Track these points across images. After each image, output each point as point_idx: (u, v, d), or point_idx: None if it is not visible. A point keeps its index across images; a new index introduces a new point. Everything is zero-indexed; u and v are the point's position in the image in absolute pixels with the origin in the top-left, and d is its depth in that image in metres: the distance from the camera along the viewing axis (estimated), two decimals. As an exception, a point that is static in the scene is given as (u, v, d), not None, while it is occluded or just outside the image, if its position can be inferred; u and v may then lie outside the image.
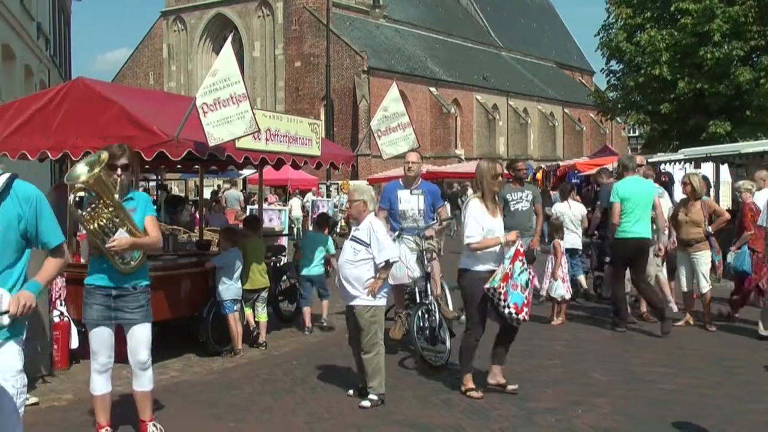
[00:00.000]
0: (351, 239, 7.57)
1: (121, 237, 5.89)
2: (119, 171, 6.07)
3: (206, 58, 62.68)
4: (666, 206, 11.83)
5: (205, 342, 9.48)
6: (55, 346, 8.71)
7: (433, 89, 59.51)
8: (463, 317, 8.25)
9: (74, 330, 8.88)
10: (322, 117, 42.91)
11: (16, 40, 20.19)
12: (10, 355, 4.09)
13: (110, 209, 5.88)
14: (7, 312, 3.95)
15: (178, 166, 11.68)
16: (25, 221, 4.14)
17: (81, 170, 5.78)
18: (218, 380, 8.52)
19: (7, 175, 4.14)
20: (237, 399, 7.72)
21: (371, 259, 7.37)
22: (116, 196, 5.96)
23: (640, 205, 10.49)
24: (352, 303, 7.50)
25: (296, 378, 8.55)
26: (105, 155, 5.83)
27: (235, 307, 9.46)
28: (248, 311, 9.99)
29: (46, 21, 26.02)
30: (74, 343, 8.89)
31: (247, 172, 22.81)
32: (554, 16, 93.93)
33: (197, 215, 18.08)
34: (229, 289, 9.37)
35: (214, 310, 9.48)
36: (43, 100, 9.46)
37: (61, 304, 8.85)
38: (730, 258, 11.59)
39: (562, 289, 11.42)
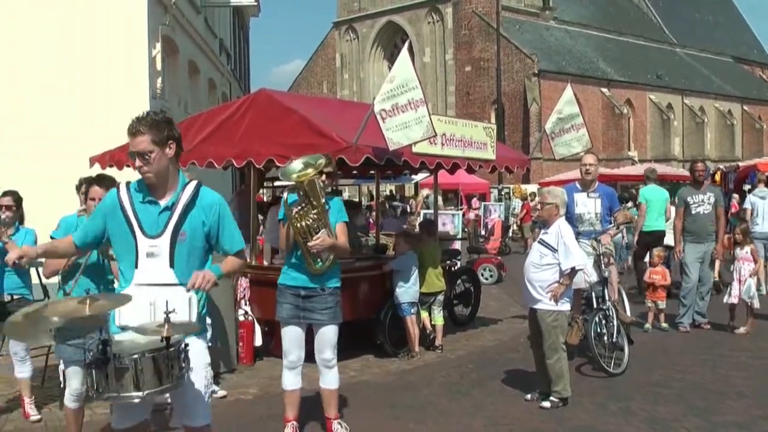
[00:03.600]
0: (539, 242, 7.53)
1: (324, 237, 6.12)
2: (324, 177, 6.34)
3: (378, 66, 63.65)
4: None
5: (383, 344, 9.65)
6: (241, 344, 9.14)
7: (605, 90, 58.07)
8: (647, 325, 8.02)
9: (258, 328, 9.27)
10: (493, 121, 42.72)
11: (201, 56, 21.27)
12: (199, 350, 4.31)
13: (315, 211, 6.15)
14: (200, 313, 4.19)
15: (354, 171, 11.92)
16: (209, 227, 4.34)
17: (297, 167, 6.10)
18: (396, 381, 8.66)
19: (194, 183, 4.37)
20: (415, 400, 7.82)
21: (557, 264, 7.30)
22: (322, 200, 6.22)
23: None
24: (534, 306, 7.47)
25: (473, 381, 8.57)
26: (323, 161, 6.13)
27: (412, 310, 9.59)
28: (424, 314, 10.09)
29: (227, 37, 27.28)
30: (258, 340, 9.28)
31: (417, 176, 22.99)
32: (731, 7, 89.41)
33: (371, 219, 18.43)
34: (406, 292, 9.50)
35: (391, 313, 9.64)
36: (228, 111, 9.94)
37: (245, 304, 9.25)
38: None
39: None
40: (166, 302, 3.94)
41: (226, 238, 4.40)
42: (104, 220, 4.34)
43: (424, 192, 22.94)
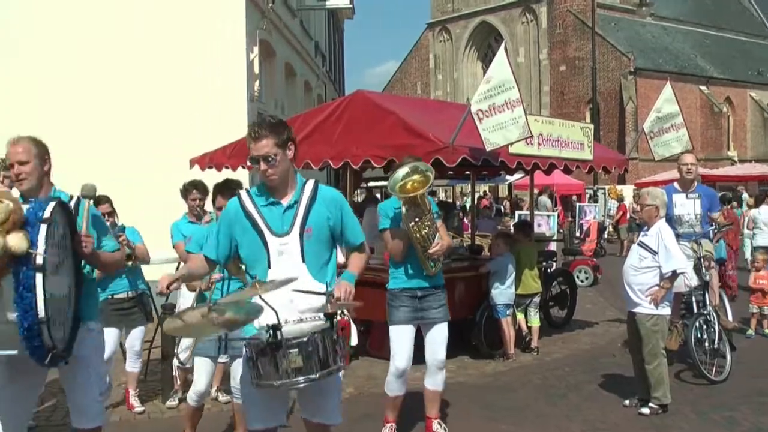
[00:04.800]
0: (638, 244, 7.40)
1: (442, 243, 6.29)
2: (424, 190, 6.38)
3: (471, 66, 63.36)
4: None
5: (478, 345, 9.62)
6: (338, 343, 9.17)
7: (703, 88, 56.49)
8: (750, 331, 7.80)
9: (354, 328, 9.32)
10: (588, 120, 42.09)
11: (297, 58, 21.57)
12: None
13: (428, 218, 6.27)
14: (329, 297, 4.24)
15: (450, 172, 11.90)
16: (333, 220, 4.40)
17: (402, 173, 6.17)
18: (492, 383, 8.62)
19: (313, 181, 4.44)
20: (511, 402, 7.78)
21: (657, 267, 7.16)
22: (429, 206, 6.34)
23: None
24: (633, 310, 7.33)
25: (570, 384, 8.48)
26: (431, 174, 6.19)
27: (508, 312, 9.54)
28: (520, 316, 10.03)
29: (322, 40, 27.60)
30: (354, 340, 9.33)
31: (512, 177, 22.78)
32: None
33: (465, 220, 18.36)
34: (502, 293, 9.46)
35: (487, 314, 9.60)
36: (325, 113, 10.06)
37: (342, 303, 9.30)
38: None
39: None
40: (327, 285, 4.12)
41: (349, 231, 4.48)
42: (230, 229, 4.40)
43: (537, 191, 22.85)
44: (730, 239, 11.93)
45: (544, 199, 22.79)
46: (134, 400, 7.60)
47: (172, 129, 13.42)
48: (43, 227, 3.96)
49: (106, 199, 7.17)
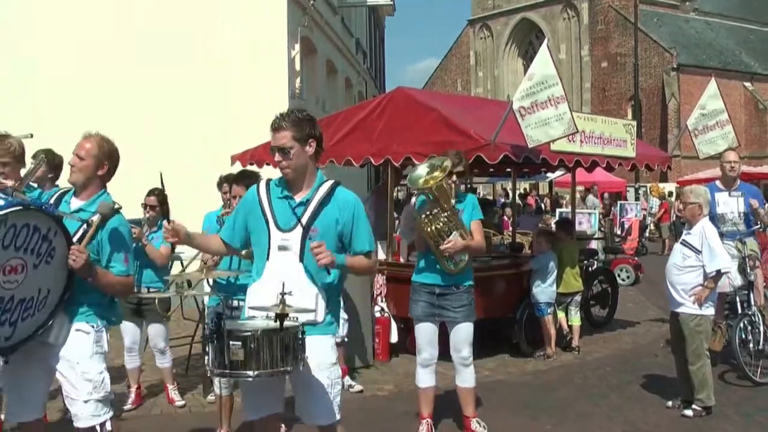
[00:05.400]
0: (681, 243, 7.30)
1: (456, 240, 6.14)
2: (454, 177, 6.33)
3: (512, 63, 63.08)
4: None
5: (519, 343, 9.57)
6: (377, 340, 9.23)
7: (747, 84, 55.63)
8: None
9: (394, 325, 9.34)
10: (629, 117, 41.67)
11: (338, 55, 21.65)
12: (323, 349, 4.32)
13: (446, 213, 6.16)
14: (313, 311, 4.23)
15: (491, 169, 11.85)
16: (342, 225, 4.37)
17: (422, 173, 6.12)
18: (532, 382, 8.58)
19: (331, 182, 4.43)
20: (552, 401, 7.73)
21: (701, 266, 7.06)
22: (453, 201, 6.24)
23: None
24: (677, 310, 7.23)
25: (611, 384, 8.40)
26: (448, 163, 6.12)
27: (549, 310, 9.48)
28: (561, 315, 9.96)
29: (363, 37, 27.67)
30: (394, 337, 9.35)
31: (553, 174, 22.61)
32: None
33: (505, 218, 18.28)
34: (543, 291, 9.41)
35: (528, 312, 9.55)
36: (367, 110, 10.07)
37: (381, 301, 9.33)
38: None
39: None
40: (283, 284, 4.00)
41: (357, 239, 4.41)
42: (245, 216, 4.47)
43: (579, 189, 22.62)
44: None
45: (592, 198, 22.57)
46: (174, 394, 7.67)
47: (214, 126, 13.54)
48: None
49: (155, 192, 7.26)
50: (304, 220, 4.27)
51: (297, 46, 15.34)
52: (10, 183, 5.13)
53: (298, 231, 4.27)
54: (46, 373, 4.57)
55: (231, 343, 3.84)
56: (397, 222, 11.57)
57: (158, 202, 7.38)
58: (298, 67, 15.44)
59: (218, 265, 6.30)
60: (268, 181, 4.52)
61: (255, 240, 4.43)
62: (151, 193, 7.42)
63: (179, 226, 4.42)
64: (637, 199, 29.04)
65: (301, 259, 4.25)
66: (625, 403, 7.69)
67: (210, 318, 3.94)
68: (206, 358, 3.97)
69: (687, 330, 7.12)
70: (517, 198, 29.43)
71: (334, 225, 4.33)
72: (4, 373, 4.65)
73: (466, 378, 6.49)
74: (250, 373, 3.85)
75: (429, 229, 6.16)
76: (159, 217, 7.36)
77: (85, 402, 4.44)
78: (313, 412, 4.36)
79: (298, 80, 15.48)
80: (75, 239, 4.36)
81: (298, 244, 4.26)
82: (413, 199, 6.52)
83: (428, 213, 6.16)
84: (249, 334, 3.87)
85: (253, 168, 10.20)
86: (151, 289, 7.29)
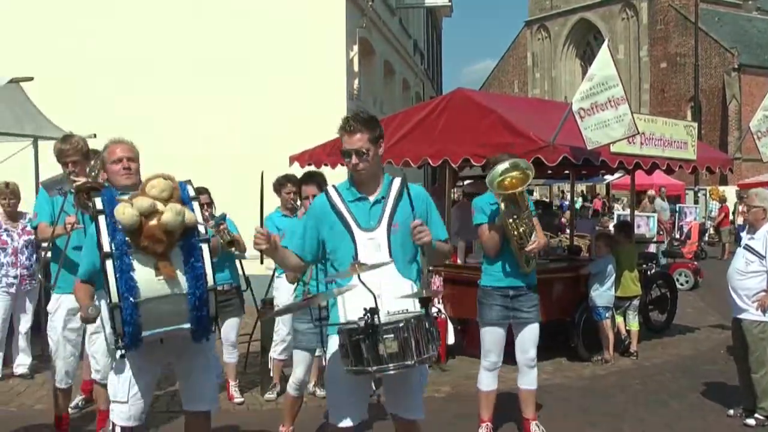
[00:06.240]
0: (744, 248, 7.14)
1: (539, 241, 6.25)
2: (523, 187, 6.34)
3: (570, 64, 62.57)
4: None
5: (576, 347, 9.48)
6: (434, 341, 9.16)
7: (813, 86, 54.57)
8: None
9: (451, 327, 9.30)
10: (689, 118, 41.04)
11: (396, 56, 21.69)
12: None
13: (526, 214, 6.23)
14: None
15: (549, 171, 11.76)
16: (419, 216, 4.37)
17: (501, 168, 6.10)
18: (590, 386, 8.50)
19: (399, 179, 4.47)
20: (611, 407, 7.65)
21: (765, 271, 6.90)
22: (527, 203, 6.31)
23: None
24: (739, 316, 7.08)
25: (670, 391, 8.27)
26: (531, 172, 6.14)
27: (607, 314, 9.38)
28: (619, 319, 9.85)
29: (420, 38, 27.67)
30: (451, 338, 9.31)
31: (610, 176, 22.34)
32: None
33: (562, 220, 18.12)
34: (601, 295, 9.31)
35: (586, 316, 9.46)
36: (425, 111, 10.06)
37: (439, 302, 9.30)
38: None
39: None
40: (428, 271, 4.14)
41: (433, 227, 4.44)
42: (316, 225, 4.45)
43: (650, 193, 22.24)
44: None
45: (660, 201, 22.24)
46: (234, 391, 7.76)
47: (272, 126, 13.63)
48: (196, 204, 4.27)
49: (204, 190, 7.37)
50: (385, 216, 4.31)
51: (355, 48, 15.38)
52: (82, 180, 5.27)
53: (383, 228, 4.30)
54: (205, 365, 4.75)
55: (385, 336, 3.84)
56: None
57: (210, 198, 7.50)
58: (356, 68, 15.49)
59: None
60: (333, 186, 4.53)
61: (333, 247, 4.38)
62: (201, 191, 7.51)
63: (270, 232, 4.41)
64: (696, 202, 28.58)
65: (390, 254, 4.28)
66: (685, 410, 7.57)
67: (362, 315, 3.89)
68: (347, 359, 3.94)
69: (750, 337, 6.97)
70: (581, 200, 29.24)
71: (411, 218, 4.34)
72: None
73: (529, 380, 6.49)
74: (409, 362, 3.87)
75: (516, 233, 6.21)
76: (211, 215, 7.48)
77: (214, 384, 4.76)
78: (410, 405, 4.42)
79: (356, 81, 15.52)
80: None
81: (385, 241, 4.29)
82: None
83: (515, 217, 6.20)
84: (402, 324, 3.88)
85: (311, 168, 10.30)
86: (224, 286, 7.41)
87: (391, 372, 3.88)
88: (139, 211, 4.02)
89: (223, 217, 7.41)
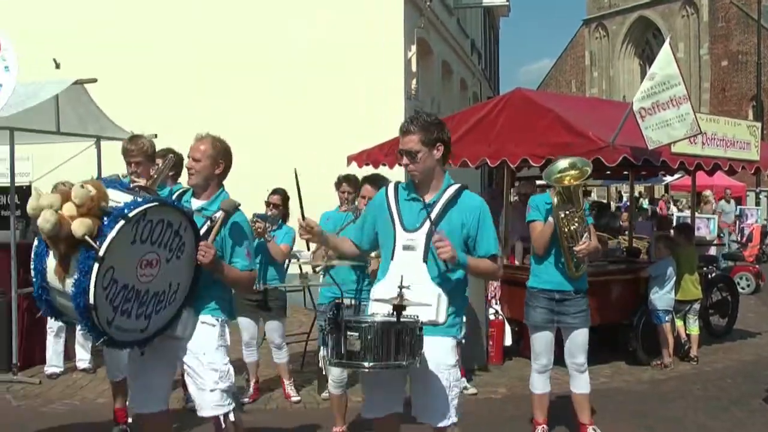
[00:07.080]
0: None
1: (590, 242, 6.15)
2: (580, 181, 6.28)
3: (628, 63, 61.74)
4: None
5: (635, 351, 9.36)
6: (491, 343, 9.20)
7: None
8: None
9: (508, 328, 9.28)
10: (750, 118, 40.25)
11: (454, 56, 21.65)
12: (444, 350, 4.34)
13: (579, 214, 6.15)
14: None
15: (607, 172, 11.64)
16: (468, 229, 4.39)
17: (562, 166, 6.13)
18: (649, 391, 8.38)
19: (458, 185, 4.46)
20: (670, 412, 7.53)
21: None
22: (581, 203, 6.24)
23: None
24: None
25: (732, 397, 8.11)
26: (589, 168, 6.13)
27: (666, 318, 9.25)
28: (679, 323, 9.71)
29: (478, 38, 27.60)
30: (507, 340, 9.29)
31: (669, 177, 22.00)
32: None
33: (621, 222, 17.90)
34: (661, 298, 9.18)
35: (645, 319, 9.33)
36: (483, 111, 10.03)
37: (496, 303, 9.28)
38: None
39: None
40: (401, 277, 4.03)
41: (482, 242, 4.41)
42: (374, 217, 4.57)
43: (706, 193, 21.86)
44: None
45: (724, 204, 21.86)
46: (290, 390, 7.82)
47: (330, 126, 13.68)
48: (120, 223, 4.02)
49: (279, 191, 7.45)
50: (428, 221, 4.31)
51: (413, 48, 15.36)
52: (143, 182, 5.34)
53: (423, 231, 4.31)
54: (171, 365, 4.77)
55: (348, 333, 3.89)
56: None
57: (281, 201, 7.56)
58: (414, 68, 15.47)
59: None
60: (397, 183, 4.61)
61: (382, 241, 4.52)
62: (275, 192, 7.63)
63: (313, 223, 4.53)
64: (757, 204, 28.02)
65: (425, 260, 4.30)
66: (748, 417, 7.42)
67: (329, 309, 4.01)
68: (323, 349, 4.05)
69: (816, 343, 6.83)
70: (647, 202, 28.76)
71: (460, 228, 4.37)
72: (130, 363, 4.83)
73: (580, 384, 6.41)
74: (366, 364, 3.90)
75: (566, 230, 6.13)
76: (279, 215, 7.54)
77: (211, 391, 4.59)
78: (428, 410, 4.38)
79: (414, 81, 15.50)
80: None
81: (422, 245, 4.30)
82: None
83: (567, 213, 6.13)
84: (366, 325, 3.93)
85: (369, 169, 10.32)
86: (269, 286, 7.46)
87: (347, 369, 3.96)
88: (33, 206, 4.02)
89: (280, 225, 7.48)
